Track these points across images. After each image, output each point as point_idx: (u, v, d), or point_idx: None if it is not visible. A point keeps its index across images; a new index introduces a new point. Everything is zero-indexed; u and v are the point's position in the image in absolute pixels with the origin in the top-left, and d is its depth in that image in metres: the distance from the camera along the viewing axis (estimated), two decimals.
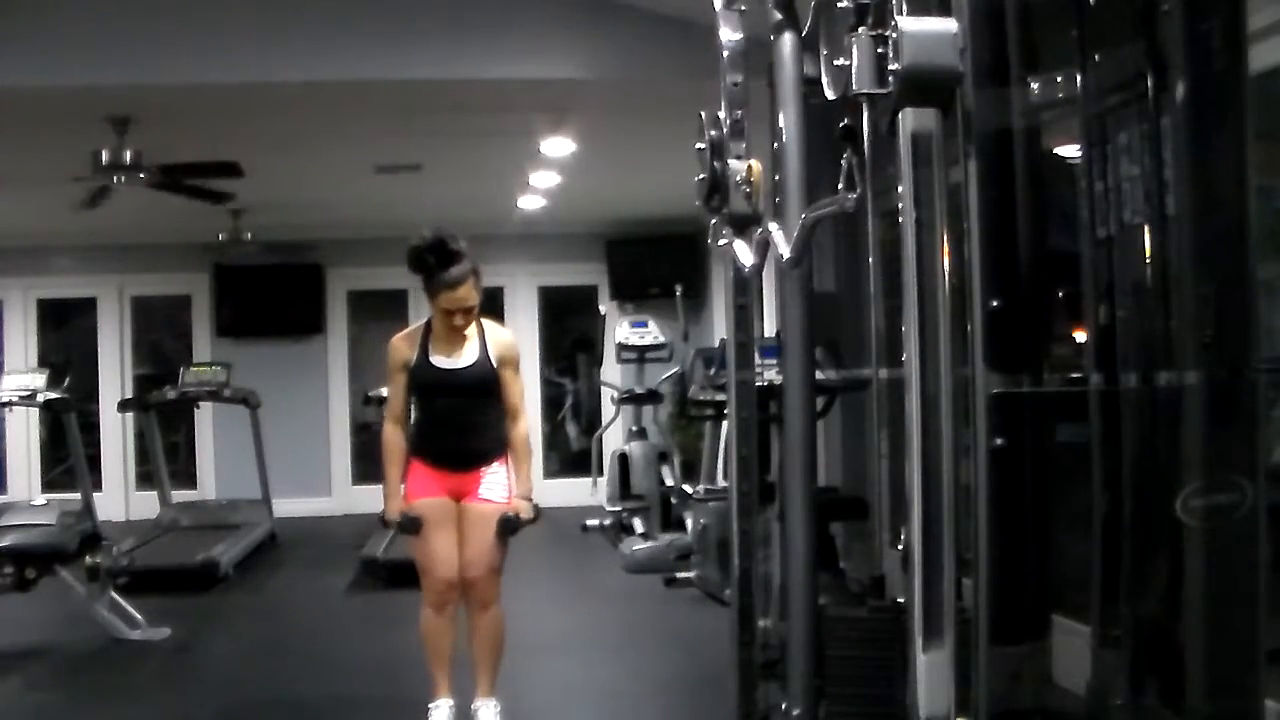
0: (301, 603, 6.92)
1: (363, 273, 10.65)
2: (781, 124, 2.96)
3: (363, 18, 5.62)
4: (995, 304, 3.11)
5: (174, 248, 10.21)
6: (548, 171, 8.02)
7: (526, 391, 4.44)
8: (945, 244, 1.96)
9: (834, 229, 4.71)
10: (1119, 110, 3.31)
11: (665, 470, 8.07)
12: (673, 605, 6.32)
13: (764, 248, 2.80)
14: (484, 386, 4.13)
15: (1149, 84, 3.13)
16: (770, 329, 4.34)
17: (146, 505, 9.41)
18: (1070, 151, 3.64)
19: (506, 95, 5.98)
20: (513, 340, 4.32)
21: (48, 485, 10.12)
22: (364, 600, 6.85)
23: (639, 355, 8.50)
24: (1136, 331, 3.30)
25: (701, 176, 3.10)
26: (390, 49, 5.60)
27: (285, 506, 9.28)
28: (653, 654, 5.42)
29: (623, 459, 8.07)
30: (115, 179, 6.39)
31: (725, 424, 5.89)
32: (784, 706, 2.97)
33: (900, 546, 2.34)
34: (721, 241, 3.09)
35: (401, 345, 4.18)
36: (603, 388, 9.65)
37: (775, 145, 3.01)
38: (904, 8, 1.90)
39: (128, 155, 6.30)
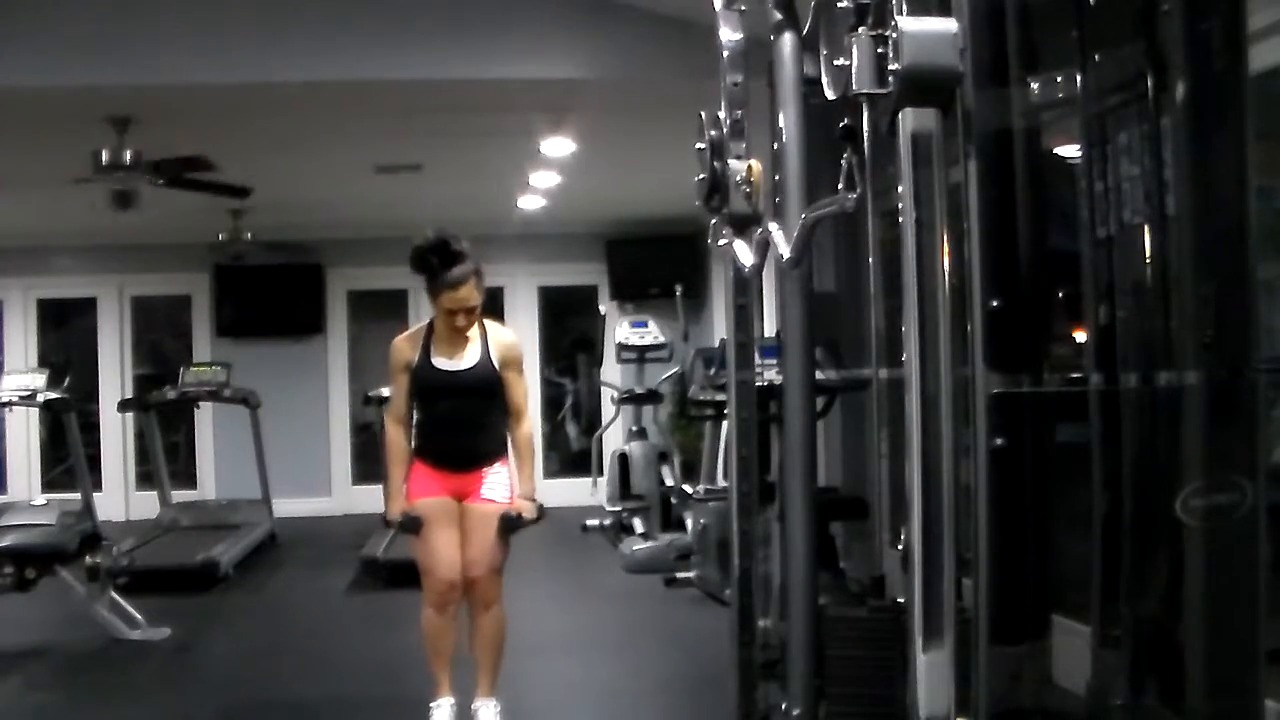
0: (301, 603, 6.92)
1: (363, 273, 10.66)
2: (781, 124, 2.96)
3: (363, 18, 5.62)
4: (995, 304, 3.10)
5: (174, 248, 10.21)
6: (548, 171, 8.02)
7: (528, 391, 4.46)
8: (945, 244, 1.96)
9: (834, 229, 4.71)
10: (1119, 110, 3.31)
11: (665, 470, 8.07)
12: (673, 605, 6.32)
13: (764, 248, 2.80)
14: (486, 388, 4.14)
15: (1149, 84, 3.13)
16: (770, 329, 4.34)
17: (146, 505, 9.41)
18: (1070, 151, 3.64)
19: (506, 95, 5.98)
20: (515, 341, 4.32)
21: (48, 485, 10.13)
22: (364, 600, 6.85)
23: (639, 355, 8.50)
24: (1136, 331, 3.30)
25: (701, 176, 3.11)
26: (390, 49, 5.61)
27: (285, 506, 9.29)
28: (653, 654, 5.42)
29: (623, 459, 8.07)
30: (134, 179, 6.40)
31: (725, 424, 5.89)
32: (784, 706, 2.97)
33: (900, 546, 2.34)
34: (721, 241, 3.09)
35: (403, 346, 4.18)
36: (603, 388, 9.66)
37: (775, 145, 3.01)
38: (904, 8, 1.90)
39: (128, 155, 6.30)
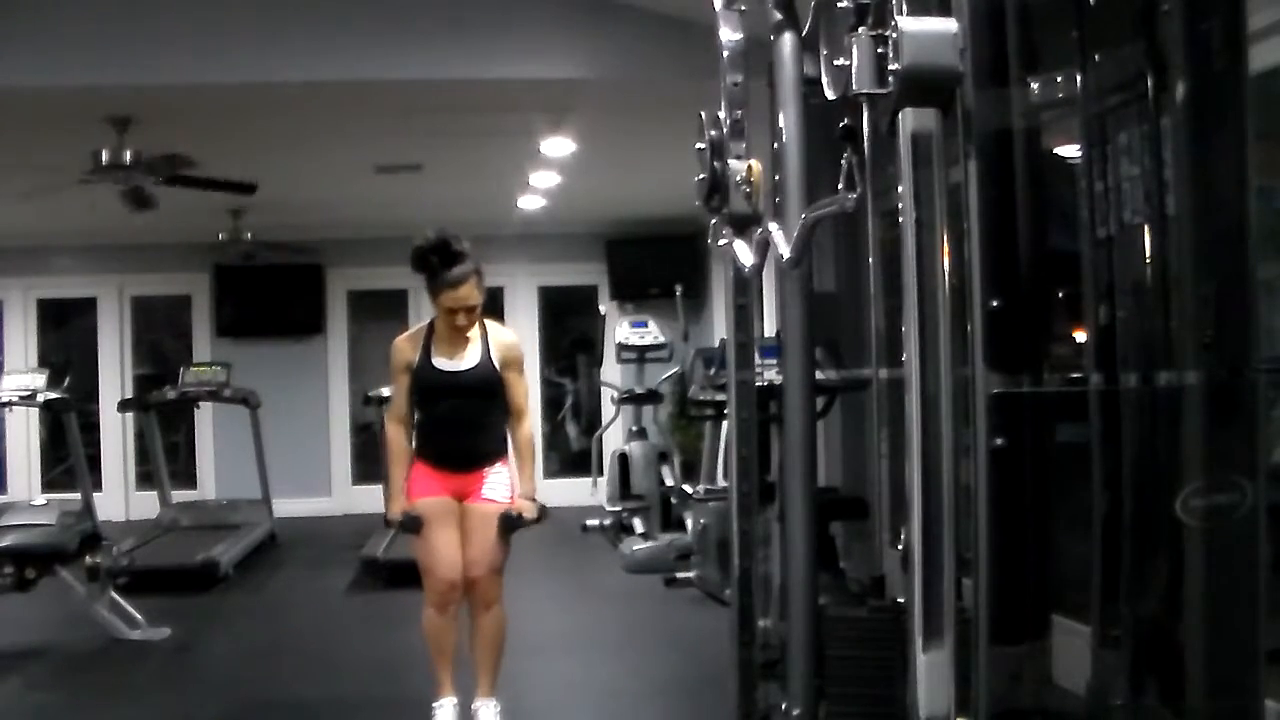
0: (301, 603, 6.92)
1: (363, 273, 10.66)
2: (781, 124, 2.96)
3: (363, 18, 5.63)
4: (995, 304, 3.10)
5: (174, 248, 10.21)
6: (548, 171, 8.02)
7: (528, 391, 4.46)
8: (945, 244, 1.96)
9: (834, 229, 4.71)
10: (1119, 110, 3.30)
11: (665, 470, 8.07)
12: (673, 605, 6.32)
13: (764, 248, 2.80)
14: (486, 388, 4.14)
15: (1149, 84, 3.13)
16: (770, 329, 4.35)
17: (146, 505, 9.41)
18: (1070, 151, 3.63)
19: (506, 95, 5.99)
20: (515, 341, 4.32)
21: (48, 485, 10.13)
22: (364, 600, 6.85)
23: (639, 355, 8.50)
24: (1136, 331, 3.29)
25: (701, 176, 3.10)
26: (390, 49, 5.61)
27: (285, 506, 9.29)
28: (653, 654, 5.42)
29: (623, 459, 8.08)
30: (134, 179, 6.40)
31: (725, 424, 5.89)
32: (784, 706, 2.97)
33: (900, 546, 2.34)
34: (721, 241, 3.09)
35: (404, 347, 4.19)
36: (603, 388, 9.66)
37: (775, 145, 3.01)
38: (904, 8, 1.90)
39: (128, 155, 6.30)
